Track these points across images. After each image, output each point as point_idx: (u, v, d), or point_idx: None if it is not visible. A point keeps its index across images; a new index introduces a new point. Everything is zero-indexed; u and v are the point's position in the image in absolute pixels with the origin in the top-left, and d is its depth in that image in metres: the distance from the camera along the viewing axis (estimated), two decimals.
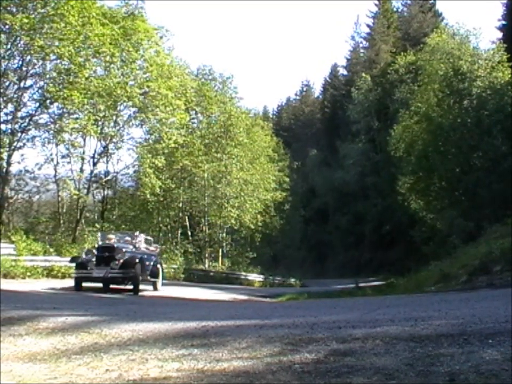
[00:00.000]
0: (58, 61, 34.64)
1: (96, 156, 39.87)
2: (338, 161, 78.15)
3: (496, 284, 17.13)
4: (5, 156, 33.70)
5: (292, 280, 53.88)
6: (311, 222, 79.58)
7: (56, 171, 38.42)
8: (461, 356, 5.82)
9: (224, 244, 52.57)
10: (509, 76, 42.41)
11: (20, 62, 35.00)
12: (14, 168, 35.88)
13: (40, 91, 36.04)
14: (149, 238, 28.77)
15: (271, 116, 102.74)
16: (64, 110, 35.81)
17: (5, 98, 34.57)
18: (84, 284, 22.09)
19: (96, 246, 24.12)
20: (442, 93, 43.24)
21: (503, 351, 5.94)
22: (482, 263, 20.22)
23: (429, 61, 46.92)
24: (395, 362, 5.65)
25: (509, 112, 39.68)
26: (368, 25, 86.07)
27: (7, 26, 32.71)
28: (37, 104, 35.96)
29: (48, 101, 35.24)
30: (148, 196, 41.21)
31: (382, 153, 66.26)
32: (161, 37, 41.24)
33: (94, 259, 22.44)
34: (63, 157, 38.41)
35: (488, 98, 41.61)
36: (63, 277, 27.63)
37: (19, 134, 34.69)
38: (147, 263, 24.09)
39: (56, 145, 37.64)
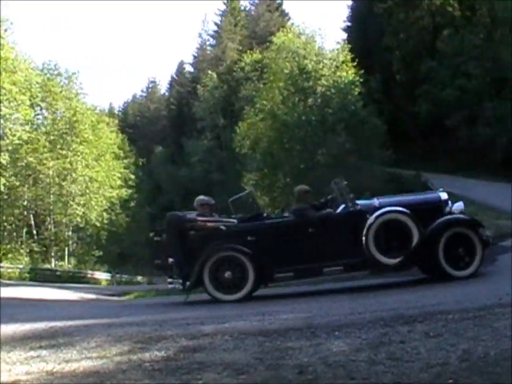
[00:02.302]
0: None
1: None
2: (184, 158, 78.29)
3: (342, 277, 17.45)
4: None
5: (140, 277, 53.58)
6: (157, 219, 79.26)
7: None
8: (309, 348, 5.90)
9: (70, 242, 51.75)
10: (353, 75, 43.78)
11: None
12: None
13: None
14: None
15: (116, 113, 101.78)
16: None
17: None
18: None
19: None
20: (288, 91, 44.03)
21: (349, 342, 6.06)
22: None
23: (274, 59, 47.55)
24: (244, 357, 5.66)
25: (352, 110, 40.97)
26: (215, 23, 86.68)
27: None
28: None
29: None
30: None
31: (227, 150, 66.75)
32: (5, 30, 40.16)
33: None
34: None
35: (332, 97, 42.79)
36: None
37: None
38: None
39: None
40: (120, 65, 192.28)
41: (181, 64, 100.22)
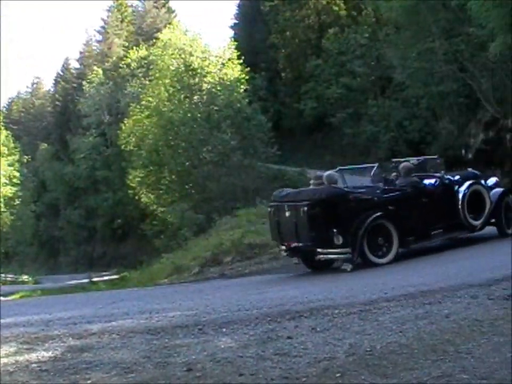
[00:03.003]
0: None
1: None
2: (69, 155, 77.07)
3: (227, 274, 17.73)
4: None
5: (25, 277, 52.60)
6: (42, 217, 78.12)
7: None
8: (196, 345, 5.99)
9: None
10: (239, 72, 43.99)
11: None
12: None
13: None
14: None
15: (0, 109, 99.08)
16: None
17: None
18: None
19: None
20: (173, 88, 43.87)
21: (237, 338, 6.19)
22: (213, 255, 20.80)
23: (161, 56, 47.26)
24: (132, 356, 5.71)
25: (238, 108, 41.22)
26: (102, 19, 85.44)
27: None
28: None
29: None
30: None
31: (113, 147, 66.02)
32: None
33: None
34: None
35: (218, 94, 42.87)
36: None
37: None
38: None
39: None
40: (4, 61, 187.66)
41: (67, 60, 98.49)
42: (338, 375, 4.82)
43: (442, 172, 15.53)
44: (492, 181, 16.11)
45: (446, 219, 14.83)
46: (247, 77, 45.23)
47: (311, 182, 14.81)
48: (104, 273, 49.76)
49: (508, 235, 14.91)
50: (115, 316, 8.69)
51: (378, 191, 14.50)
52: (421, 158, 17.58)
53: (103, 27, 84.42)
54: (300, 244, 13.64)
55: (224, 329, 6.76)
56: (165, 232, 42.53)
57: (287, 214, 13.87)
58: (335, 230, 13.13)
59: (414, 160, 16.32)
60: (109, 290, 22.07)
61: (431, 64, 38.99)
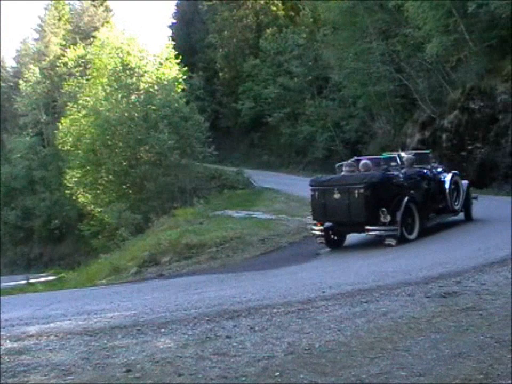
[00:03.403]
0: None
1: None
2: (5, 155, 76.11)
3: (165, 274, 17.71)
4: None
5: None
6: None
7: None
8: (135, 346, 5.98)
9: None
10: (177, 72, 43.90)
11: None
12: None
13: None
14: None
15: None
16: None
17: None
18: None
19: None
20: (111, 87, 43.53)
21: (176, 338, 6.19)
22: (151, 255, 20.79)
23: (98, 55, 46.91)
24: (71, 357, 5.67)
25: (175, 107, 41.12)
26: (39, 17, 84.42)
27: None
28: None
29: None
30: None
31: (49, 147, 65.42)
32: None
33: None
34: None
35: (155, 94, 42.70)
36: None
37: None
38: None
39: None
40: None
41: (3, 58, 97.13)
42: (277, 374, 4.85)
43: (432, 164, 18.28)
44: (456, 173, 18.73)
45: (438, 203, 17.37)
46: (184, 77, 45.22)
47: (344, 169, 16.49)
48: (41, 274, 49.18)
49: (472, 219, 18.22)
50: (53, 318, 8.61)
51: (401, 178, 16.21)
52: (412, 152, 20.31)
53: (40, 25, 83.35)
54: (344, 221, 15.80)
55: (162, 330, 6.75)
56: (103, 233, 42.22)
57: (336, 196, 15.53)
58: (384, 210, 14.98)
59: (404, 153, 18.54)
60: (47, 292, 21.79)
61: (368, 64, 39.50)
